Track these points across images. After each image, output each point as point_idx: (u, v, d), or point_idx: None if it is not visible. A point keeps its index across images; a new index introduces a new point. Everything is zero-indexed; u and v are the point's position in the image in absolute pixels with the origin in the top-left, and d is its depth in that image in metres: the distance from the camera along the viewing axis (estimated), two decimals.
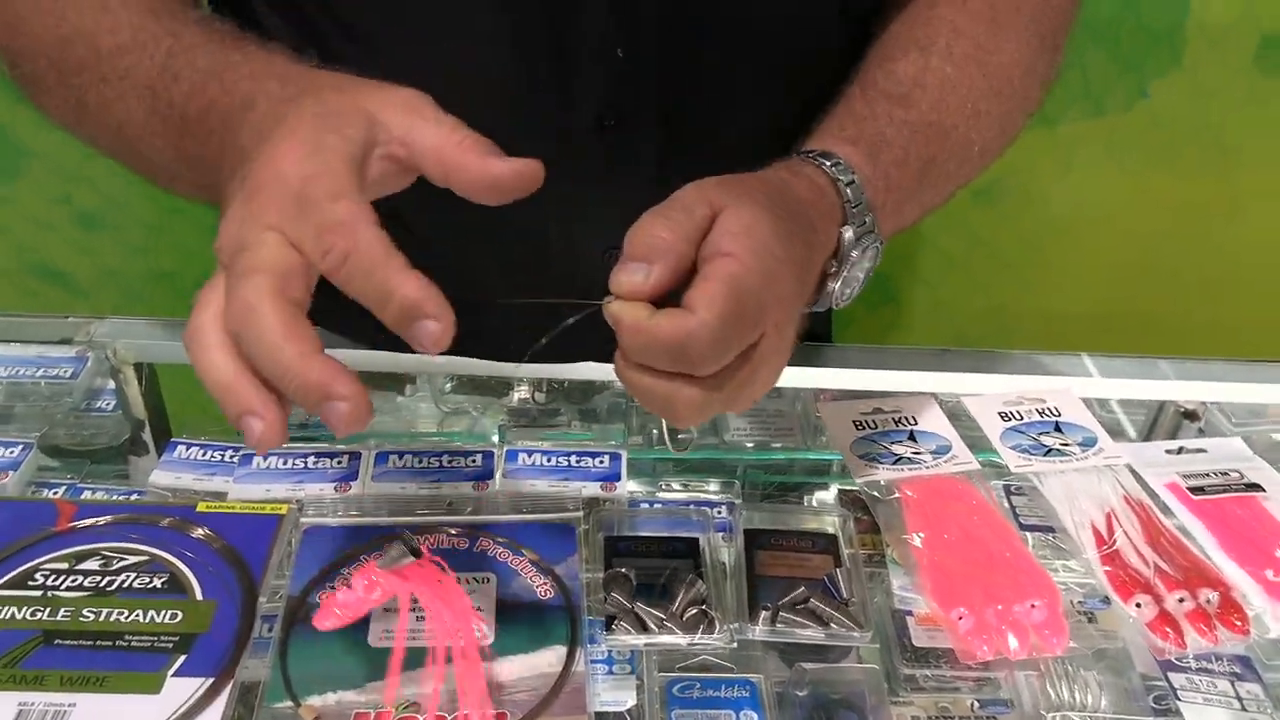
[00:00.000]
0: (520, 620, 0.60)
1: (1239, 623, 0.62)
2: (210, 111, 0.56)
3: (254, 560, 0.63)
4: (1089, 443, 0.75)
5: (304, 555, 0.64)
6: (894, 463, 0.73)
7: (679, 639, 0.60)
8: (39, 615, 0.59)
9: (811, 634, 0.61)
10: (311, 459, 0.74)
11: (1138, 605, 0.63)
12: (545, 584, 0.63)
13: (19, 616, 0.59)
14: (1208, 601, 0.63)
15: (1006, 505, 0.73)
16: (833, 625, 0.61)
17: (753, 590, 0.63)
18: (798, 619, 0.61)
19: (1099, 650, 0.64)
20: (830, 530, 0.68)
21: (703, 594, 0.62)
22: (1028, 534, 0.70)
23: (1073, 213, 1.46)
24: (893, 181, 0.63)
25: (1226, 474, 0.74)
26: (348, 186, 0.46)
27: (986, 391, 0.80)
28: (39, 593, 0.60)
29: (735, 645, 0.60)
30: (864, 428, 0.76)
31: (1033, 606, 0.62)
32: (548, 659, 0.59)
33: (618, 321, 0.49)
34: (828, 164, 0.59)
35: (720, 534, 0.67)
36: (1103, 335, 1.53)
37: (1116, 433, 0.82)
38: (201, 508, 0.66)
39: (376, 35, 0.66)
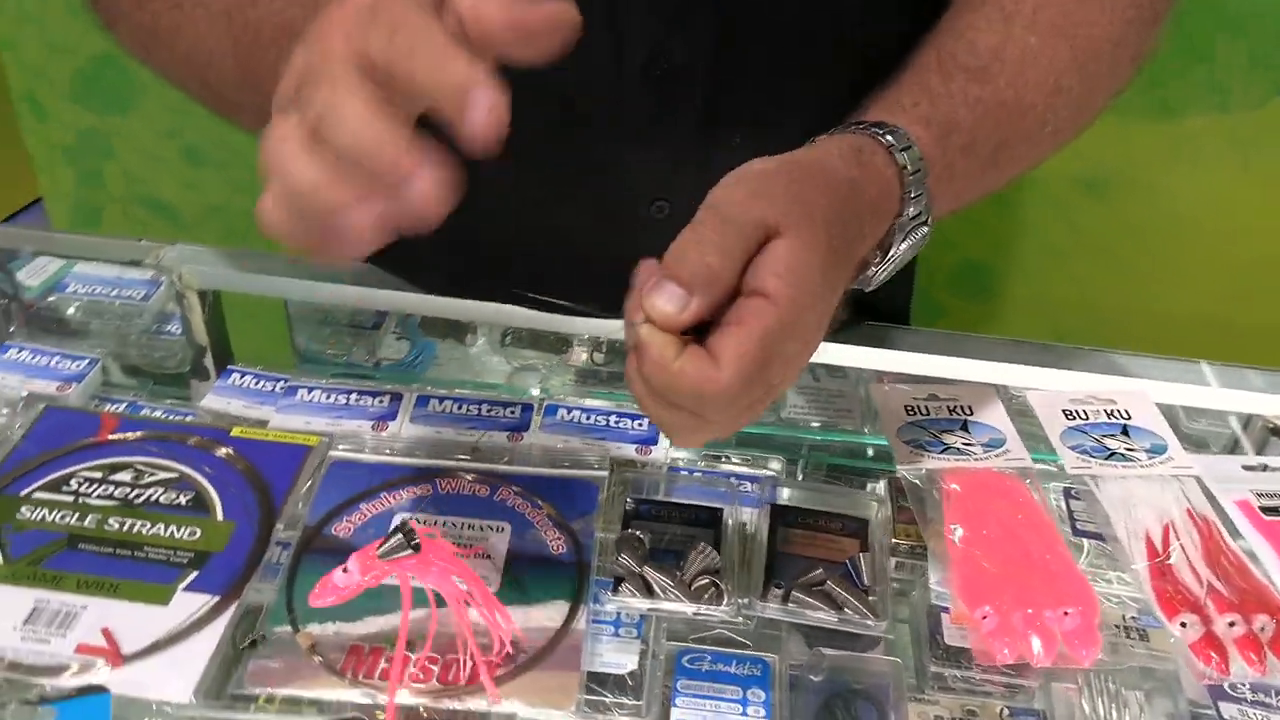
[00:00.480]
0: (527, 572, 0.60)
1: None
2: (286, 31, 0.56)
3: (278, 487, 0.64)
4: (1157, 450, 0.71)
5: (327, 487, 0.64)
6: (941, 451, 0.69)
7: (684, 606, 0.58)
8: (67, 519, 0.61)
9: (823, 617, 0.58)
10: (354, 396, 0.74)
11: (1182, 624, 0.59)
12: (559, 539, 0.62)
13: (49, 519, 0.61)
14: (1262, 629, 0.59)
15: (1063, 508, 0.69)
16: (847, 610, 0.58)
17: (771, 567, 0.61)
18: (810, 600, 0.58)
19: (1147, 670, 0.60)
20: (863, 515, 0.65)
21: (715, 564, 0.60)
22: (1084, 540, 0.66)
23: (1190, 211, 1.38)
24: (957, 169, 0.59)
25: None
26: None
27: (1058, 388, 0.75)
28: (70, 498, 0.62)
29: (741, 619, 0.58)
30: (915, 413, 0.72)
31: (1065, 614, 0.59)
32: (548, 613, 0.58)
33: (643, 348, 0.46)
34: (897, 147, 0.55)
35: (747, 508, 0.65)
36: (1214, 341, 1.45)
37: (1201, 443, 0.77)
38: (235, 432, 0.68)
39: None
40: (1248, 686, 0.60)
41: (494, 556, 0.60)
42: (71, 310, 0.88)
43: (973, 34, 0.62)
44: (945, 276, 1.54)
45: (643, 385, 0.47)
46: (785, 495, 0.66)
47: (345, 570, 0.56)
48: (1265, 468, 0.71)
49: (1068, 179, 1.41)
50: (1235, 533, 0.66)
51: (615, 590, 0.58)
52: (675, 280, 0.45)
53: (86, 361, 0.79)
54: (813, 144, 0.55)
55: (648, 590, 0.58)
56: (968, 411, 0.73)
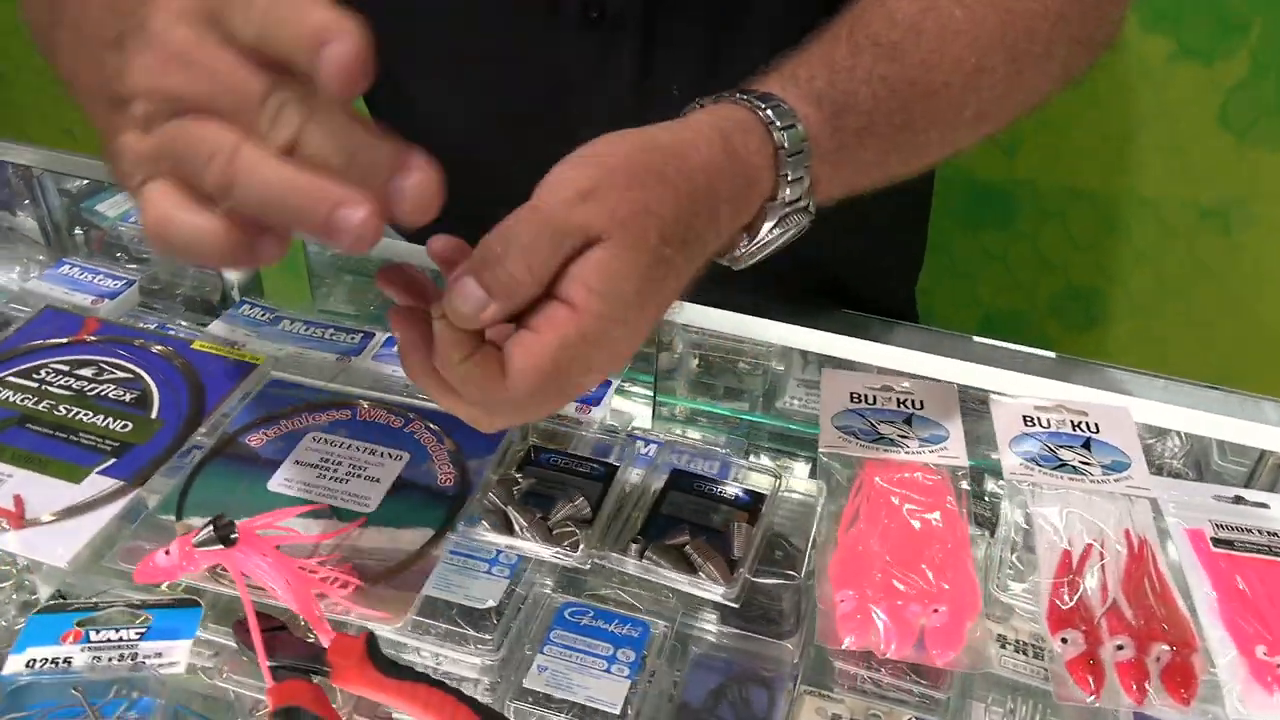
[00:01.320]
0: (407, 499, 0.62)
1: (1182, 691, 0.52)
2: None
3: (214, 396, 0.68)
4: (1117, 467, 0.65)
5: (257, 402, 0.68)
6: (873, 441, 0.67)
7: (539, 548, 0.58)
8: (25, 402, 0.67)
9: (674, 576, 0.57)
10: (331, 331, 0.78)
11: (1064, 640, 0.54)
12: (450, 473, 0.63)
13: (11, 399, 0.67)
14: (1157, 659, 0.53)
15: (1008, 513, 0.65)
16: (701, 575, 0.57)
17: (646, 526, 0.61)
18: (664, 560, 0.57)
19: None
20: (762, 490, 0.63)
21: (584, 514, 0.60)
22: (999, 547, 0.62)
23: None
24: (846, 153, 0.55)
25: (1276, 534, 0.62)
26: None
27: (1044, 396, 0.71)
28: (35, 385, 0.68)
29: (589, 567, 0.58)
30: (859, 401, 0.70)
31: (935, 611, 0.55)
32: (411, 537, 0.59)
33: (437, 340, 0.44)
34: (778, 125, 0.51)
35: (639, 468, 0.65)
36: None
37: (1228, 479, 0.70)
38: (195, 345, 0.73)
39: None
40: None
41: (382, 480, 0.62)
42: (135, 239, 0.97)
43: (895, 1, 0.58)
44: (1047, 302, 1.46)
45: (431, 375, 0.46)
46: (687, 462, 0.65)
47: (167, 553, 0.55)
48: (1238, 500, 0.65)
49: (1186, 205, 1.31)
50: (1170, 558, 0.60)
51: (474, 525, 0.59)
52: (477, 280, 0.43)
53: (124, 282, 0.86)
54: (684, 117, 0.52)
55: (508, 528, 0.59)
56: (917, 406, 0.70)
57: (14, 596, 0.61)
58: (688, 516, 0.61)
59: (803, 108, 0.52)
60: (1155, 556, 0.59)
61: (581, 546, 0.58)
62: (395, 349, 0.76)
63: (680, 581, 0.57)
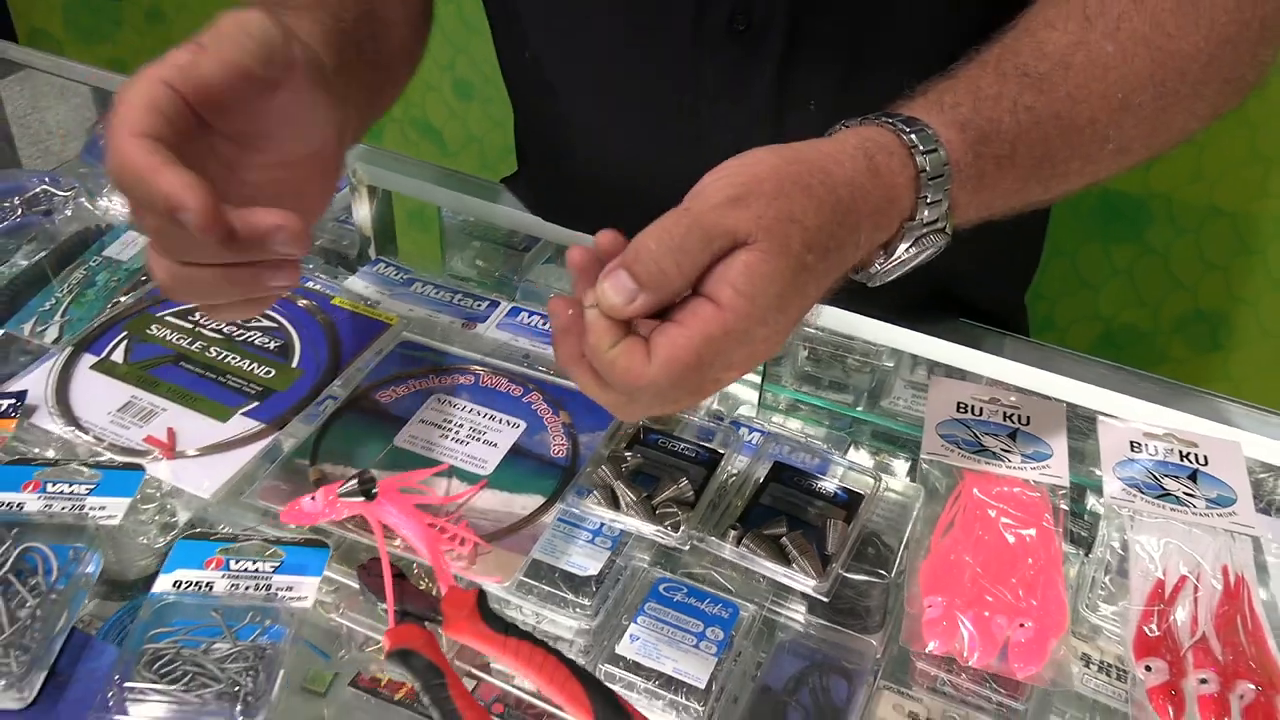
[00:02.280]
0: (522, 466, 0.65)
1: None
2: None
3: (349, 351, 0.73)
4: (1223, 501, 0.65)
5: (389, 360, 0.73)
6: (975, 451, 0.68)
7: (641, 524, 0.61)
8: (181, 341, 0.73)
9: (768, 565, 0.59)
10: (459, 296, 0.82)
11: (1147, 668, 0.55)
12: (563, 445, 0.67)
13: (168, 338, 0.73)
14: (1241, 696, 0.54)
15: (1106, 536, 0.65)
16: (794, 566, 0.59)
17: (746, 514, 0.63)
18: (760, 549, 0.60)
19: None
20: (859, 490, 0.65)
21: (686, 496, 0.62)
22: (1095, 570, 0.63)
23: None
24: (987, 179, 0.56)
25: None
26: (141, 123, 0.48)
27: (1155, 422, 0.71)
28: (190, 326, 0.74)
29: (688, 548, 0.61)
30: (965, 411, 0.71)
31: (1021, 625, 0.57)
32: (523, 502, 0.63)
33: (588, 328, 0.48)
34: (921, 149, 0.53)
35: (744, 456, 0.67)
36: None
37: None
38: (335, 301, 0.77)
39: None
40: None
41: (499, 446, 0.66)
42: None
43: (1046, 33, 0.58)
44: (1172, 321, 1.42)
45: (580, 361, 0.49)
46: (790, 455, 0.67)
47: (313, 499, 0.59)
48: None
49: None
50: (1272, 598, 0.60)
51: (585, 497, 0.62)
52: (629, 273, 0.46)
53: None
54: (831, 134, 0.54)
55: (614, 503, 0.62)
56: (1023, 421, 0.70)
57: (156, 518, 0.66)
58: (786, 509, 0.64)
59: (946, 133, 0.54)
60: (1251, 595, 0.59)
61: (682, 528, 0.61)
62: (518, 318, 0.80)
63: (775, 571, 0.59)
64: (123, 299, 0.81)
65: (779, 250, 0.46)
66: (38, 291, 0.85)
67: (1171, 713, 0.53)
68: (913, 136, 0.53)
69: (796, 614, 0.62)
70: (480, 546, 0.60)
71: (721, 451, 0.67)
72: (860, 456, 0.76)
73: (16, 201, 0.97)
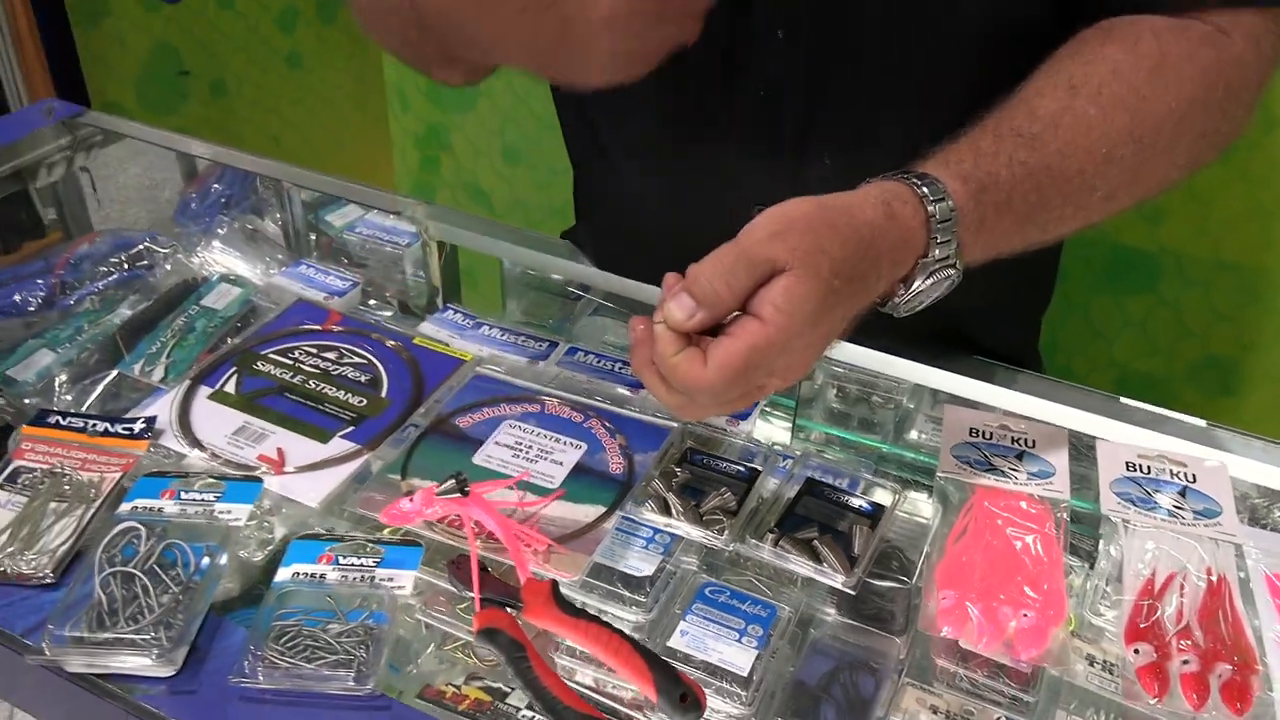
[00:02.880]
0: (584, 480, 0.74)
1: (1238, 704, 0.60)
2: None
3: (431, 383, 0.83)
4: (1209, 514, 0.73)
5: (466, 391, 0.83)
6: (985, 470, 0.76)
7: (691, 529, 0.70)
8: (283, 375, 0.83)
9: (804, 563, 0.68)
10: (522, 338, 0.92)
11: (1136, 651, 0.63)
12: (620, 463, 0.76)
13: (273, 372, 0.83)
14: (1219, 675, 0.62)
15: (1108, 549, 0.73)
16: (825, 565, 0.68)
17: (781, 521, 0.72)
18: (794, 550, 0.68)
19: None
20: (882, 501, 0.74)
21: (730, 505, 0.71)
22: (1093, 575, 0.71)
23: None
24: (988, 223, 0.66)
25: None
26: None
27: (1145, 446, 0.79)
28: (290, 362, 0.84)
29: (732, 549, 0.69)
30: (977, 435, 0.79)
31: (1024, 615, 0.65)
32: (587, 511, 0.72)
33: (655, 340, 0.59)
34: (930, 197, 0.63)
35: (777, 476, 0.76)
36: None
37: None
38: (417, 340, 0.88)
39: None
40: None
41: (564, 464, 0.76)
42: (357, 247, 1.13)
43: (1036, 100, 0.68)
44: (1185, 369, 1.50)
45: (650, 367, 0.60)
46: (820, 473, 0.76)
47: (411, 500, 0.68)
48: None
49: None
50: (1249, 595, 0.68)
51: (641, 505, 0.71)
52: (689, 294, 0.58)
53: (350, 284, 1.02)
54: (855, 189, 0.64)
55: (666, 511, 0.71)
56: (1029, 444, 0.79)
57: (255, 534, 0.76)
58: (817, 517, 0.72)
59: (952, 184, 0.64)
60: (1232, 593, 0.67)
61: (726, 532, 0.70)
62: (575, 357, 0.89)
63: (807, 569, 0.68)
64: (231, 340, 0.91)
65: (811, 275, 0.57)
66: (144, 336, 0.95)
67: (1157, 688, 0.61)
68: (924, 189, 0.63)
69: (828, 617, 0.70)
70: (552, 547, 0.69)
71: (760, 468, 0.76)
72: (883, 480, 0.84)
73: (122, 258, 1.08)
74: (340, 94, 2.92)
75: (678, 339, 0.58)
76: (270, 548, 0.71)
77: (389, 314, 0.99)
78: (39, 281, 1.06)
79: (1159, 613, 0.66)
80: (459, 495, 0.66)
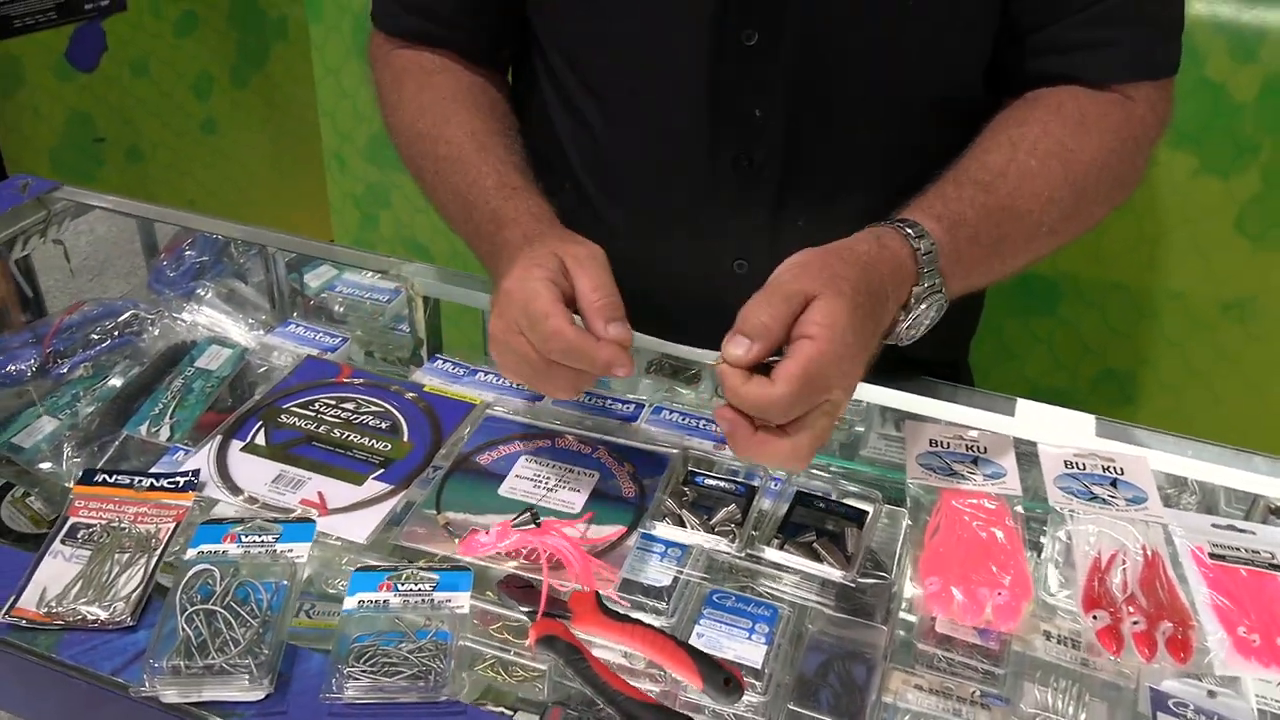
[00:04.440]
0: (603, 504, 0.83)
1: (1181, 654, 0.72)
2: (485, 234, 0.88)
3: (447, 426, 0.90)
4: (1137, 500, 0.85)
5: (480, 431, 0.90)
6: (948, 475, 0.87)
7: (704, 539, 0.79)
8: (309, 425, 0.90)
9: (806, 563, 0.78)
10: (516, 383, 1.00)
11: (1094, 617, 0.74)
12: (631, 488, 0.85)
13: (297, 424, 0.90)
14: (1163, 631, 0.73)
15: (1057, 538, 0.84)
16: (824, 563, 0.78)
17: (783, 527, 0.82)
18: (797, 552, 0.78)
19: (1109, 683, 0.73)
20: (865, 508, 0.84)
21: (736, 517, 0.81)
22: (1048, 560, 0.82)
23: None
24: (963, 255, 0.80)
25: (1257, 552, 0.81)
26: (549, 303, 0.73)
27: (1079, 447, 0.91)
28: (313, 413, 0.91)
29: (745, 555, 0.79)
30: (937, 445, 0.91)
31: (999, 594, 0.76)
32: (608, 531, 0.80)
33: (722, 380, 0.70)
34: (913, 235, 0.77)
35: (771, 491, 0.86)
36: None
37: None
38: (427, 388, 0.95)
39: (608, 94, 0.94)
40: (1191, 708, 0.74)
41: (582, 490, 0.84)
42: (337, 305, 1.20)
43: (985, 156, 0.82)
44: (1088, 382, 1.65)
45: (727, 413, 0.70)
46: (811, 485, 0.86)
47: (487, 533, 0.78)
48: (1230, 527, 0.84)
49: (1209, 299, 1.52)
50: (1179, 567, 0.80)
51: (660, 521, 0.80)
52: (742, 334, 0.69)
53: (339, 339, 1.09)
54: (848, 237, 0.77)
55: (681, 525, 0.80)
56: (981, 450, 0.90)
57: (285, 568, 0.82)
58: (813, 523, 0.82)
59: (929, 224, 0.77)
60: (1165, 565, 0.79)
61: (736, 540, 0.79)
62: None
63: (811, 567, 0.78)
64: (235, 398, 0.97)
65: (837, 293, 0.69)
66: (143, 399, 1.00)
67: (1115, 647, 0.72)
68: (907, 229, 0.76)
69: (822, 614, 0.79)
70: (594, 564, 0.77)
71: (756, 484, 0.85)
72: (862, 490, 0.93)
73: (110, 324, 1.13)
74: (255, 157, 2.95)
75: (741, 373, 0.68)
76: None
77: (375, 369, 1.06)
78: (29, 351, 1.10)
79: (1109, 584, 0.77)
80: (533, 526, 0.76)
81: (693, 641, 0.75)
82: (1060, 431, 0.94)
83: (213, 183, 2.89)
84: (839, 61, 0.86)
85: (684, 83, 0.88)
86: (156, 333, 1.11)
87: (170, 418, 0.98)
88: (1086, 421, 0.95)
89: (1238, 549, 0.82)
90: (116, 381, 1.03)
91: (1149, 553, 0.80)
